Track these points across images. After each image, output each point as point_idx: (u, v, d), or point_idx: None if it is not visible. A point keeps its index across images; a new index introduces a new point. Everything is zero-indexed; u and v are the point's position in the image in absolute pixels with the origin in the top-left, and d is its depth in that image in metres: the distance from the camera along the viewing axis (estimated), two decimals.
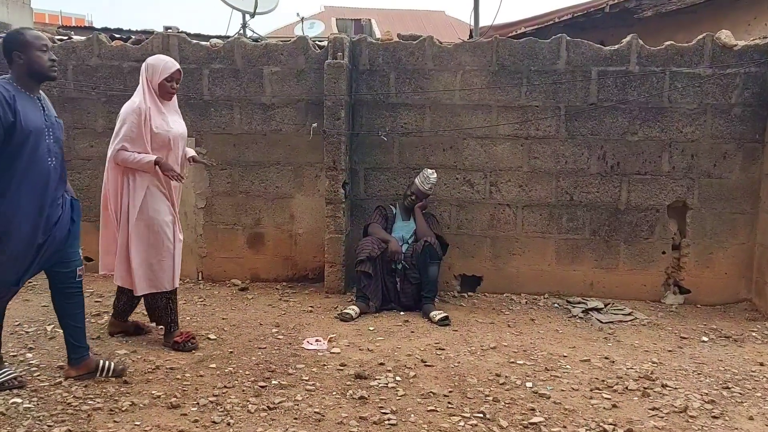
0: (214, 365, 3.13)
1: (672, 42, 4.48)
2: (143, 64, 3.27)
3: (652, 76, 4.45)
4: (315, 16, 15.45)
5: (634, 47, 4.46)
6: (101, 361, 2.91)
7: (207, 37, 5.55)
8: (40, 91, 2.73)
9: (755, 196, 4.46)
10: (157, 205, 3.23)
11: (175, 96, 3.38)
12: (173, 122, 3.31)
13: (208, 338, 3.52)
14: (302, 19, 9.87)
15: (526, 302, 4.55)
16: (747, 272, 4.51)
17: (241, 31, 6.18)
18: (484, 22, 7.09)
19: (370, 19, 17.10)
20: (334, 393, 2.86)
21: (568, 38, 4.53)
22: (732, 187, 4.49)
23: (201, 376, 2.99)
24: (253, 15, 6.04)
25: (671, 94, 4.45)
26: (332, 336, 3.62)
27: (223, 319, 3.93)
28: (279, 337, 3.62)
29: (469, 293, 4.75)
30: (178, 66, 3.29)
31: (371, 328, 3.84)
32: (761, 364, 3.39)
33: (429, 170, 4.41)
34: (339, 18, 17.09)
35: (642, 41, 4.47)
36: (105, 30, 7.07)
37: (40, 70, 2.62)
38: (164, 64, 3.25)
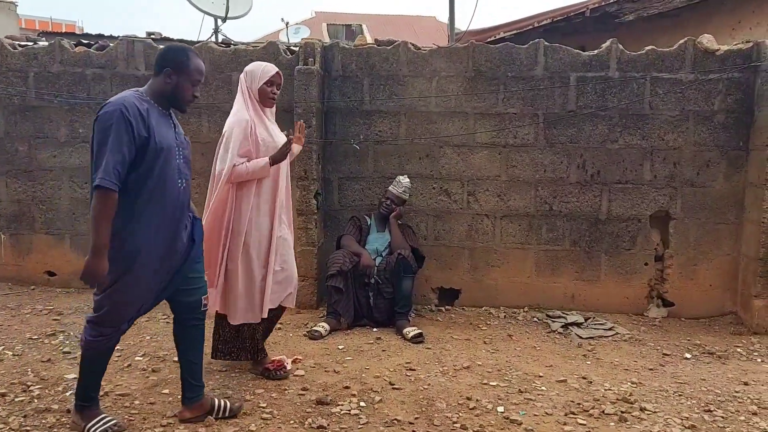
0: (167, 391, 2.94)
1: (653, 47, 4.34)
2: (241, 75, 3.07)
3: (632, 81, 4.31)
4: (305, 21, 15.28)
5: (613, 52, 4.32)
6: (216, 400, 2.64)
7: (190, 43, 5.37)
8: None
9: (739, 206, 4.32)
10: (261, 225, 3.05)
11: (274, 106, 3.20)
12: (273, 132, 3.10)
13: (165, 360, 3.34)
14: (287, 25, 9.73)
15: (505, 316, 4.39)
16: (732, 284, 4.37)
17: (213, 37, 6.03)
18: (466, 27, 6.92)
19: (361, 25, 16.98)
20: (291, 422, 2.69)
21: (546, 43, 4.39)
22: (716, 196, 4.35)
23: (152, 403, 2.80)
24: (224, 19, 5.90)
25: (652, 100, 4.32)
26: (297, 357, 3.44)
27: None
28: None
29: (447, 307, 4.59)
30: (277, 69, 3.08)
31: (340, 347, 3.67)
32: (745, 384, 3.24)
33: (401, 176, 4.31)
34: (330, 23, 16.96)
35: (623, 46, 4.34)
36: (85, 36, 6.86)
37: (180, 101, 2.44)
38: (263, 68, 3.06)
